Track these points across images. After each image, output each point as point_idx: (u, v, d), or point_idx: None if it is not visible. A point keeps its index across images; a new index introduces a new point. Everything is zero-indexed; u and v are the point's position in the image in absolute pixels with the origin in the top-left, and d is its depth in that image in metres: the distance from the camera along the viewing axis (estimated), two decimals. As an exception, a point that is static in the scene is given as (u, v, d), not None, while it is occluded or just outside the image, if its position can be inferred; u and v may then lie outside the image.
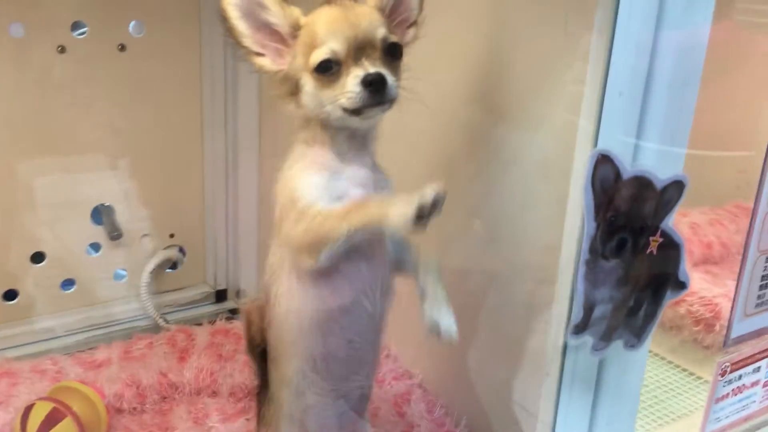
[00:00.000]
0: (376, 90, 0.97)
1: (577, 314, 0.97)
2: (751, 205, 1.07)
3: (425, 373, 1.54)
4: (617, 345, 1.05)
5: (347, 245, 1.00)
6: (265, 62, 1.05)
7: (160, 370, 1.58)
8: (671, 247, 1.00)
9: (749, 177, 1.04)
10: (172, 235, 1.88)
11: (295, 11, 1.05)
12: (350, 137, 1.06)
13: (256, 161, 1.88)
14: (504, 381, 1.30)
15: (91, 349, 1.66)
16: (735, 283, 1.86)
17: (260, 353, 1.20)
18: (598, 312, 0.98)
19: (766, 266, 1.13)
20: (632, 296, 1.01)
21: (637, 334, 1.04)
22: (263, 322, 1.17)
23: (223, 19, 1.03)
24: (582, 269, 0.95)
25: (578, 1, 1.05)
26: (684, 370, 1.81)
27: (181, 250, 1.90)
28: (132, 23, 1.71)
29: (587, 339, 1.01)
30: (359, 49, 1.00)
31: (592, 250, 0.94)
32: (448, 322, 1.06)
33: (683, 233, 2.04)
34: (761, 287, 1.14)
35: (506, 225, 1.25)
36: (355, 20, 1.01)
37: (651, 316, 1.03)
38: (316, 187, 1.03)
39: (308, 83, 1.02)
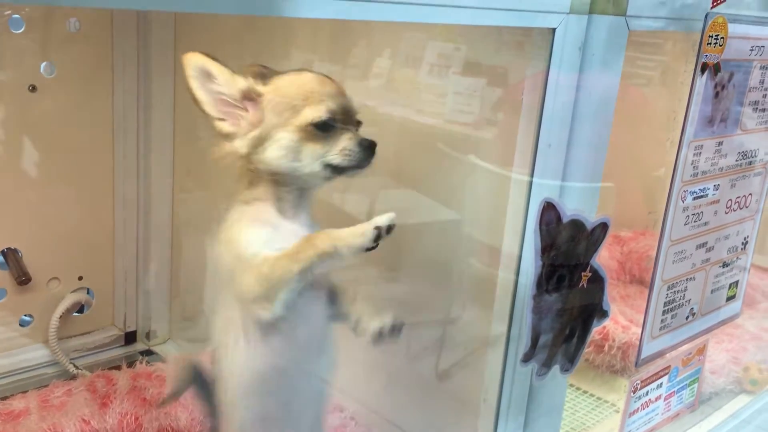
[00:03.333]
0: (371, 153, 1.07)
1: (526, 344, 1.08)
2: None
3: (356, 405, 1.60)
4: (555, 370, 1.17)
5: (301, 286, 1.05)
6: (225, 126, 1.08)
7: (82, 417, 1.55)
8: (597, 281, 1.14)
9: (657, 216, 1.19)
10: (80, 278, 1.85)
11: (242, 80, 1.09)
12: (297, 195, 1.11)
13: (169, 201, 1.88)
14: (438, 409, 1.39)
15: (5, 398, 1.61)
16: (617, 305, 2.06)
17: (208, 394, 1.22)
18: (542, 341, 1.10)
19: (667, 294, 1.29)
20: (568, 325, 1.13)
21: (570, 359, 1.16)
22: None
23: (188, 87, 1.07)
24: (530, 303, 1.06)
25: (513, 63, 1.17)
26: (578, 388, 1.96)
27: (90, 292, 1.87)
28: (43, 64, 1.69)
29: (533, 366, 1.12)
30: (345, 116, 1.08)
31: (539, 285, 1.06)
32: (383, 318, 1.11)
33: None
34: (664, 312, 1.30)
35: (440, 262, 1.35)
36: (342, 90, 1.10)
37: (581, 342, 1.16)
38: (259, 241, 1.07)
39: (286, 138, 1.06)
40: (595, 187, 1.21)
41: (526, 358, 1.09)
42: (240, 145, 1.09)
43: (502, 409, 1.23)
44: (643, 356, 1.27)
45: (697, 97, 1.16)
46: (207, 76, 1.06)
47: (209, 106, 1.08)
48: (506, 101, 1.33)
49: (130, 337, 1.95)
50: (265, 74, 1.13)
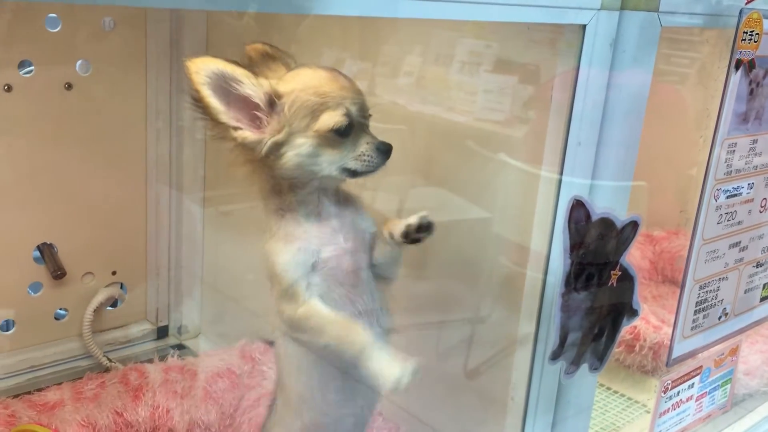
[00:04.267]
0: (387, 157, 1.08)
1: (555, 342, 1.07)
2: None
3: (384, 401, 1.60)
4: (583, 368, 1.16)
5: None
6: (246, 134, 1.05)
7: (114, 409, 1.58)
8: (627, 279, 1.13)
9: (689, 215, 1.18)
10: (114, 273, 1.88)
11: (265, 82, 1.06)
12: (317, 195, 1.12)
13: (200, 197, 1.91)
14: (466, 406, 1.39)
15: (40, 390, 1.64)
16: (649, 305, 2.03)
17: None
18: (570, 339, 1.09)
19: (699, 294, 1.28)
20: (597, 324, 1.12)
21: (599, 358, 1.15)
22: None
23: (197, 98, 1.01)
24: (559, 301, 1.05)
25: (543, 60, 1.16)
26: (608, 388, 1.95)
27: (123, 287, 1.90)
28: (79, 62, 1.71)
29: (561, 364, 1.12)
30: (361, 116, 1.08)
31: (567, 283, 1.05)
32: (409, 219, 1.09)
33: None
34: (695, 312, 1.28)
35: (469, 261, 1.35)
36: (357, 91, 1.09)
37: (610, 341, 1.15)
38: (290, 265, 1.09)
39: (306, 144, 1.05)
40: (625, 186, 1.20)
41: (555, 356, 1.09)
42: (257, 154, 1.07)
43: (530, 407, 1.22)
44: (674, 356, 1.26)
45: (731, 94, 1.15)
46: (225, 80, 1.01)
47: (225, 115, 1.03)
48: (537, 99, 1.32)
49: (162, 332, 1.97)
50: (272, 56, 1.13)
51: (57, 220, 1.77)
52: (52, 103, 1.69)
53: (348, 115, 1.06)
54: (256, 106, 1.05)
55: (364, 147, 1.08)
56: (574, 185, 1.15)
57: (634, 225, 1.09)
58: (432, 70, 1.58)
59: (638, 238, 1.02)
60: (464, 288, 1.45)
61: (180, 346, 1.96)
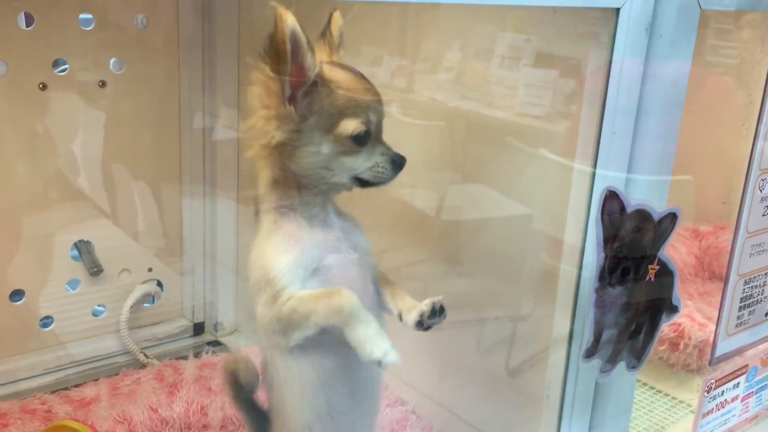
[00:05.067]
0: (400, 169, 1.05)
1: (589, 339, 1.03)
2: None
3: (418, 399, 1.58)
4: (620, 366, 1.12)
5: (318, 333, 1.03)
6: (287, 110, 1.01)
7: (150, 405, 1.58)
8: (666, 274, 1.08)
9: (732, 207, 1.13)
10: (150, 269, 1.88)
11: (319, 61, 1.02)
12: (323, 199, 1.08)
13: (235, 194, 1.90)
14: (500, 403, 1.36)
15: (77, 386, 1.65)
16: (694, 303, 1.97)
17: (246, 401, 1.22)
18: (605, 336, 1.05)
19: (744, 289, 1.22)
20: (634, 320, 1.08)
21: (637, 356, 1.11)
22: (249, 374, 1.19)
23: (274, 48, 0.97)
24: (593, 296, 1.01)
25: (573, 48, 1.12)
26: (651, 387, 1.89)
27: (159, 284, 1.90)
28: (112, 60, 1.72)
29: (597, 362, 1.07)
30: (379, 126, 1.06)
31: (601, 278, 1.01)
32: (421, 306, 1.05)
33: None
34: (740, 308, 1.23)
35: (504, 256, 1.31)
36: (378, 98, 1.06)
37: (649, 338, 1.10)
38: (290, 268, 1.04)
39: (324, 144, 1.02)
40: (664, 180, 1.16)
41: (589, 354, 1.05)
42: (278, 135, 1.02)
43: (566, 406, 1.19)
44: (717, 354, 1.21)
45: (775, 79, 1.09)
46: (297, 42, 0.96)
47: (287, 81, 0.98)
48: (577, 92, 1.28)
49: (198, 328, 1.98)
50: (322, 33, 1.08)
51: (94, 218, 1.78)
52: (87, 101, 1.70)
53: (367, 123, 1.03)
54: (303, 84, 1.00)
55: (378, 158, 1.05)
56: (609, 177, 1.11)
57: (672, 217, 1.04)
58: (472, 65, 1.55)
59: (684, 233, 0.97)
60: (502, 284, 1.42)
61: (216, 343, 1.96)
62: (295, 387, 1.12)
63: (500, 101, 1.47)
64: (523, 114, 1.43)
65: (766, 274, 1.24)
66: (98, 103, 1.72)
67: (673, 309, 1.11)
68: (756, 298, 1.24)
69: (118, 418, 1.53)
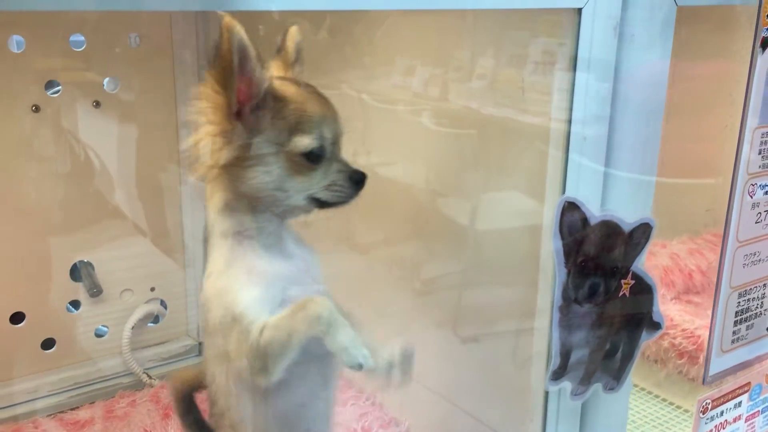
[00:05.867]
0: (360, 187, 0.98)
1: (555, 361, 0.97)
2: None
3: (412, 420, 1.53)
4: (597, 388, 1.05)
5: (300, 352, 0.96)
6: (232, 125, 0.94)
7: (144, 428, 1.57)
8: (643, 289, 1.01)
9: (716, 214, 1.05)
10: (152, 289, 1.87)
11: (270, 76, 0.97)
12: (278, 224, 1.02)
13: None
14: (490, 427, 1.30)
15: (73, 409, 1.64)
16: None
17: (193, 423, 1.18)
18: (575, 357, 0.99)
19: (739, 302, 1.14)
20: (608, 339, 1.01)
21: (615, 376, 1.04)
22: (191, 393, 1.16)
23: (221, 58, 0.90)
24: (556, 315, 0.95)
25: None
26: (671, 403, 1.81)
27: (163, 303, 1.89)
28: (106, 80, 1.72)
29: (566, 384, 1.01)
30: (335, 141, 0.99)
31: (565, 296, 0.95)
32: (391, 350, 0.99)
33: (664, 264, 2.06)
34: (736, 323, 1.14)
35: (486, 273, 1.26)
36: (333, 113, 1.00)
37: (628, 358, 1.03)
38: (256, 302, 0.96)
39: (276, 164, 0.96)
40: (647, 183, 1.09)
41: (556, 377, 0.98)
42: (225, 154, 0.95)
43: (548, 429, 1.12)
44: (711, 372, 1.13)
45: (758, 77, 1.01)
46: (245, 54, 0.90)
47: (232, 89, 0.91)
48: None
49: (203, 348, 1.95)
50: (279, 48, 1.04)
51: (93, 238, 1.78)
52: (81, 122, 1.70)
53: (320, 139, 0.97)
54: (252, 98, 0.93)
55: (335, 176, 0.98)
56: (582, 182, 1.04)
57: (645, 227, 0.97)
58: (505, 72, 1.50)
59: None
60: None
61: (222, 362, 1.93)
62: (233, 403, 1.06)
63: (534, 107, 1.41)
64: (558, 119, 1.38)
65: (764, 285, 1.15)
66: (93, 123, 1.71)
67: (655, 326, 1.04)
68: (754, 312, 1.15)
69: (111, 441, 1.51)
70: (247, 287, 0.98)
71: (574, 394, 1.02)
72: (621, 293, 0.99)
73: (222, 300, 0.99)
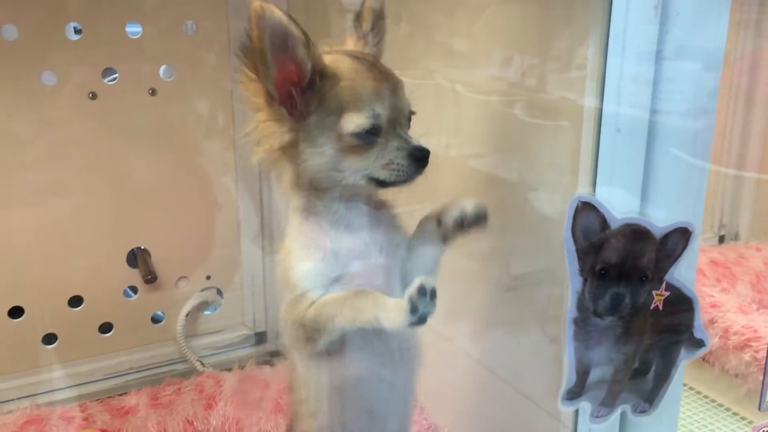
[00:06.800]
0: (424, 165, 0.94)
1: (570, 378, 0.87)
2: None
3: (452, 426, 1.45)
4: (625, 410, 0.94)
5: (344, 336, 0.97)
6: (281, 112, 0.93)
7: (186, 417, 1.56)
8: (681, 302, 0.89)
9: None
10: (208, 277, 1.87)
11: (319, 54, 0.93)
12: (347, 201, 0.99)
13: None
14: None
15: (121, 395, 1.66)
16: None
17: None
18: (595, 375, 0.88)
19: (805, 320, 0.99)
20: (636, 357, 0.90)
21: (647, 398, 0.93)
22: None
23: (250, 47, 0.89)
24: (570, 328, 0.85)
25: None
26: (743, 418, 1.65)
27: (219, 292, 1.89)
28: (162, 68, 1.72)
29: (584, 405, 0.91)
30: (395, 117, 0.95)
31: (581, 307, 0.85)
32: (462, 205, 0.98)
33: (757, 269, 1.88)
34: (802, 343, 1.00)
35: (518, 280, 1.16)
36: (394, 86, 0.96)
37: (663, 379, 0.92)
38: (310, 274, 0.98)
39: (328, 144, 0.93)
40: (698, 186, 0.96)
41: (571, 396, 0.88)
42: (277, 138, 0.95)
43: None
44: (769, 398, 0.99)
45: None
46: (285, 36, 0.88)
47: (270, 76, 0.90)
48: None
49: (260, 337, 1.94)
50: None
51: (151, 225, 1.79)
52: (138, 109, 1.71)
53: (373, 117, 0.92)
54: (299, 80, 0.91)
55: (393, 153, 0.94)
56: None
57: (682, 233, 0.85)
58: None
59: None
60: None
61: (277, 353, 1.91)
62: (311, 390, 1.07)
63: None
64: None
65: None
66: (149, 110, 1.72)
67: (697, 344, 0.92)
68: (824, 331, 1.00)
69: (152, 430, 1.52)
70: (303, 258, 0.99)
71: (595, 416, 0.92)
72: (653, 306, 0.87)
73: (284, 264, 1.01)
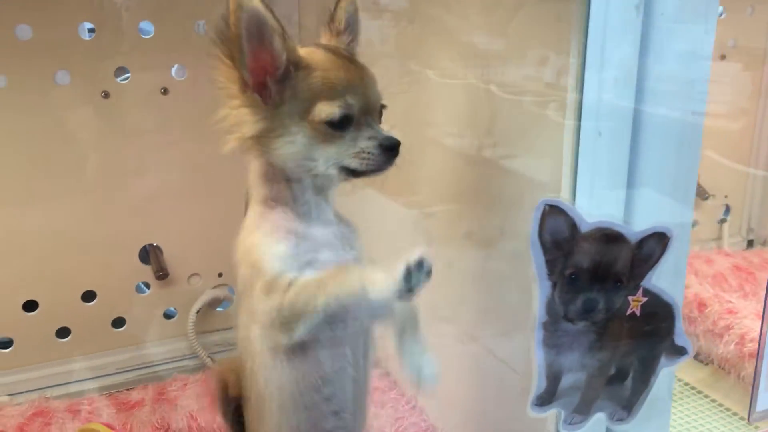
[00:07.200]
0: (394, 155, 0.95)
1: (540, 384, 0.85)
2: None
3: (450, 428, 1.44)
4: (599, 418, 0.92)
5: (325, 317, 0.95)
6: (255, 99, 0.96)
7: (190, 412, 1.57)
8: (660, 308, 0.87)
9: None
10: (220, 275, 1.89)
11: (294, 45, 0.96)
12: (316, 194, 1.01)
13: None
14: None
15: (128, 389, 1.68)
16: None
17: (234, 411, 1.16)
18: (567, 381, 0.86)
19: (796, 329, 0.96)
20: (612, 363, 0.88)
21: (625, 406, 0.91)
22: (237, 383, 1.12)
23: (226, 34, 0.93)
24: (539, 333, 0.83)
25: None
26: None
27: (230, 289, 1.90)
28: (174, 67, 1.73)
29: (555, 411, 0.89)
30: (367, 108, 0.96)
31: (551, 311, 0.83)
32: (430, 368, 0.98)
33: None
34: (793, 353, 0.97)
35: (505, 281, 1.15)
36: (365, 78, 0.98)
37: (642, 386, 0.90)
38: (282, 257, 0.97)
39: (300, 133, 0.95)
40: (687, 195, 0.94)
41: (541, 402, 0.86)
42: (250, 126, 0.97)
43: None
44: (759, 409, 0.96)
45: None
46: (261, 26, 0.90)
47: (245, 64, 0.93)
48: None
49: (272, 335, 1.95)
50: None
51: (163, 222, 1.81)
52: (150, 108, 1.73)
53: (345, 107, 0.95)
54: (273, 70, 0.94)
55: (364, 143, 0.96)
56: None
57: (659, 237, 0.83)
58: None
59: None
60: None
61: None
62: (274, 399, 1.06)
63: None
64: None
65: (832, 310, 0.97)
66: (161, 109, 1.74)
67: (678, 351, 0.89)
68: (817, 340, 0.97)
69: (156, 424, 1.54)
70: (273, 243, 0.99)
71: (568, 423, 0.90)
72: (629, 312, 0.85)
73: (249, 258, 1.01)
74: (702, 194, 2.23)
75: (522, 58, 1.09)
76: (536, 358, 0.85)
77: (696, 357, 1.77)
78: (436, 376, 0.98)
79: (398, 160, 0.98)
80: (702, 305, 1.77)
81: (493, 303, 1.31)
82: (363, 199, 1.41)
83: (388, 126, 1.02)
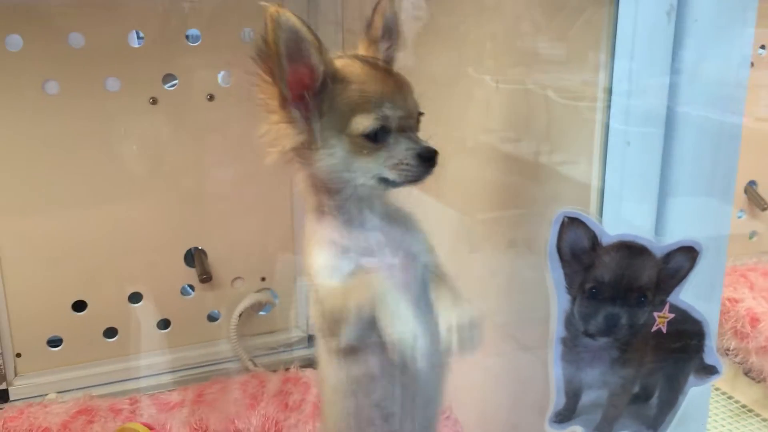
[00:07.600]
0: (432, 165, 0.95)
1: (558, 400, 0.83)
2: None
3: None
4: None
5: (367, 323, 0.96)
6: (294, 113, 0.96)
7: (228, 415, 1.59)
8: (689, 325, 0.84)
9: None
10: (263, 279, 1.91)
11: (330, 59, 0.96)
12: (358, 202, 1.02)
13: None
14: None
15: (170, 390, 1.71)
16: None
17: None
18: (588, 398, 0.84)
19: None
20: (636, 381, 0.85)
21: (651, 425, 0.87)
22: None
23: (265, 51, 0.93)
24: (557, 348, 0.81)
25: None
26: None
27: (273, 293, 1.92)
28: (221, 74, 1.76)
29: (575, 429, 0.86)
30: (404, 118, 0.97)
31: (569, 326, 0.81)
32: (457, 313, 0.94)
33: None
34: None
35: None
36: (402, 88, 0.98)
37: (669, 406, 0.86)
38: (326, 268, 1.01)
39: (339, 146, 0.96)
40: (724, 209, 0.91)
41: (560, 419, 0.84)
42: (290, 140, 0.99)
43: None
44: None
45: None
46: (299, 41, 0.91)
47: (284, 80, 0.94)
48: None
49: (314, 339, 1.96)
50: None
51: (208, 227, 1.84)
52: (196, 114, 1.76)
53: (382, 119, 0.95)
54: (311, 83, 0.95)
55: (402, 154, 0.96)
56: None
57: (688, 251, 0.80)
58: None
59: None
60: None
61: (327, 356, 1.92)
62: (328, 388, 1.11)
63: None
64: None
65: None
66: (208, 115, 1.77)
67: (709, 370, 0.86)
68: None
69: (194, 426, 1.56)
70: (317, 257, 1.02)
71: (590, 440, 0.87)
72: (655, 328, 0.82)
73: (306, 267, 1.05)
74: (761, 204, 2.15)
75: (580, 62, 1.07)
76: (554, 374, 0.83)
77: (747, 374, 1.71)
78: (471, 328, 0.91)
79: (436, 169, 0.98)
80: (755, 320, 1.71)
81: (541, 312, 1.29)
82: (415, 202, 1.42)
83: (426, 135, 1.01)
